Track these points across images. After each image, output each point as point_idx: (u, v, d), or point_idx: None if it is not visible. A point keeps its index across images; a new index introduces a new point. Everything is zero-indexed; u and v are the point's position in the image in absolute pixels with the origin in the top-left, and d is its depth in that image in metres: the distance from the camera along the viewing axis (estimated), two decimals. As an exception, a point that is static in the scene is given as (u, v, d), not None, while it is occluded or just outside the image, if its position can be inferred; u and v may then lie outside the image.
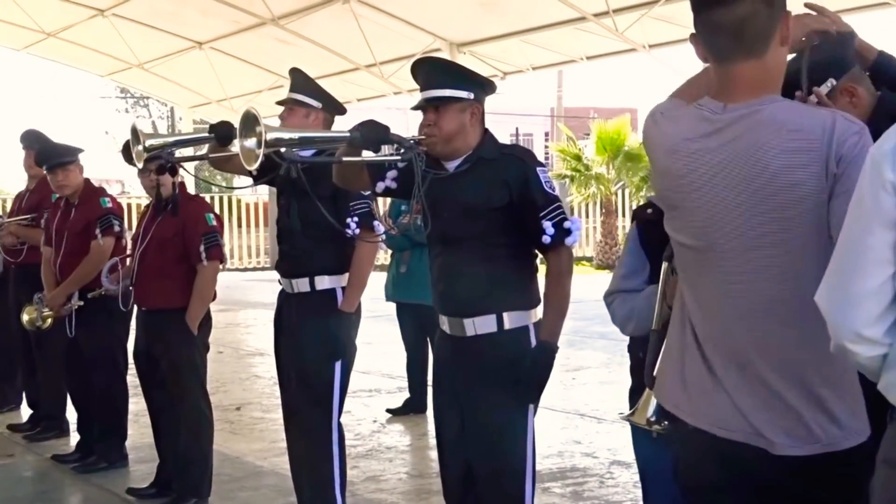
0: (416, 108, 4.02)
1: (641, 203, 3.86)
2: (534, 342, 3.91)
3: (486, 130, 4.03)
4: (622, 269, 3.57)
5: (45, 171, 7.04)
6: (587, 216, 26.94)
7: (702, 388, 2.54)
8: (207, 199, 6.30)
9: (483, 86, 4.03)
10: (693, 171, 2.52)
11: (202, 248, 5.79)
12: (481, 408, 3.90)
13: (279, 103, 5.17)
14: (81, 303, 6.74)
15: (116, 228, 6.82)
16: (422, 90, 3.98)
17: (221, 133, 4.84)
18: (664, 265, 3.05)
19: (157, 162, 5.18)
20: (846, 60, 3.19)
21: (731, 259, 2.49)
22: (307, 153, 4.67)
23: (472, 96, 3.94)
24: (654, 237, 3.40)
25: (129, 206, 22.94)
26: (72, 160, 6.90)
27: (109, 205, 6.88)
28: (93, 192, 7.01)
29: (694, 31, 2.59)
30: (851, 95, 3.17)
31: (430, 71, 4.02)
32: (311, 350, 4.98)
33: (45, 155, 7.01)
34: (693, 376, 2.56)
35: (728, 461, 2.50)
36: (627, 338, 3.63)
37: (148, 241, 5.91)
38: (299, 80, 5.14)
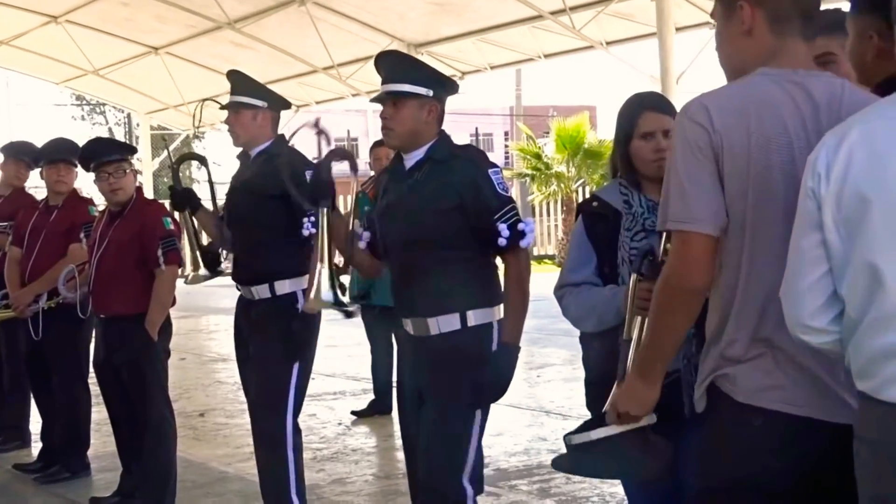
0: (374, 100, 4.04)
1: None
2: (496, 339, 3.90)
3: (442, 132, 4.03)
4: (568, 263, 3.61)
5: (43, 165, 6.93)
6: (548, 214, 27.04)
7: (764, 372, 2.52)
8: (166, 204, 6.27)
9: (444, 84, 4.04)
10: (798, 133, 2.49)
11: (160, 252, 5.73)
12: (435, 401, 3.91)
13: (223, 108, 5.13)
14: (52, 304, 6.66)
15: None
16: (382, 83, 4.00)
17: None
18: (632, 276, 3.04)
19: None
20: None
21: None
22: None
23: (431, 94, 3.94)
24: (599, 230, 3.48)
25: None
26: (75, 163, 6.83)
27: (96, 214, 6.82)
28: (80, 200, 6.98)
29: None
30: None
31: (391, 65, 4.04)
32: (270, 354, 4.95)
33: (55, 148, 6.93)
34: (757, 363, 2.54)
35: (797, 439, 2.48)
36: (586, 332, 3.63)
37: (105, 246, 5.84)
38: (240, 81, 5.10)
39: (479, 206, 3.84)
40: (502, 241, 3.84)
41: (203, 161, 5.40)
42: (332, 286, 4.14)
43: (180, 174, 5.51)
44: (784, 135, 2.47)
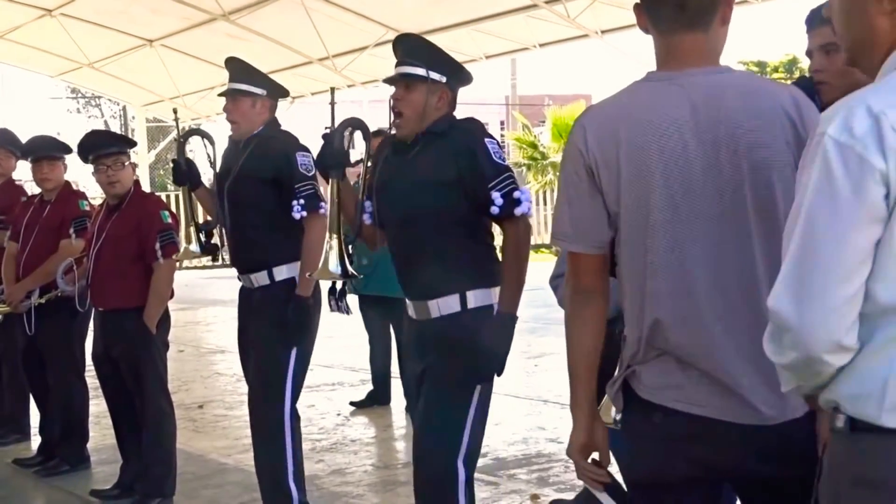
0: (387, 80, 4.02)
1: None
2: None
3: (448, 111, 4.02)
4: (563, 253, 3.61)
5: (29, 162, 6.96)
6: (545, 203, 27.03)
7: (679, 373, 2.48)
8: (163, 197, 6.28)
9: (458, 73, 4.03)
10: (670, 136, 2.43)
11: (158, 245, 5.74)
12: (433, 383, 3.91)
13: (221, 95, 5.11)
14: (42, 300, 6.67)
15: None
16: (396, 65, 3.98)
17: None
18: None
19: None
20: None
21: (708, 226, 2.41)
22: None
23: (444, 80, 3.93)
24: None
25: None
26: (60, 156, 6.84)
27: (87, 208, 6.82)
28: (72, 193, 6.96)
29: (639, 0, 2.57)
30: None
31: (408, 47, 4.02)
32: (268, 338, 4.95)
33: (36, 145, 6.95)
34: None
35: (707, 440, 2.45)
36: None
37: (103, 239, 5.85)
38: (238, 69, 5.07)
39: (475, 173, 3.81)
40: (495, 210, 3.80)
41: (210, 138, 5.39)
42: (341, 257, 4.14)
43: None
44: (656, 141, 2.41)
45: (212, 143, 5.39)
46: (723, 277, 2.40)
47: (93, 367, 6.12)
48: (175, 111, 5.90)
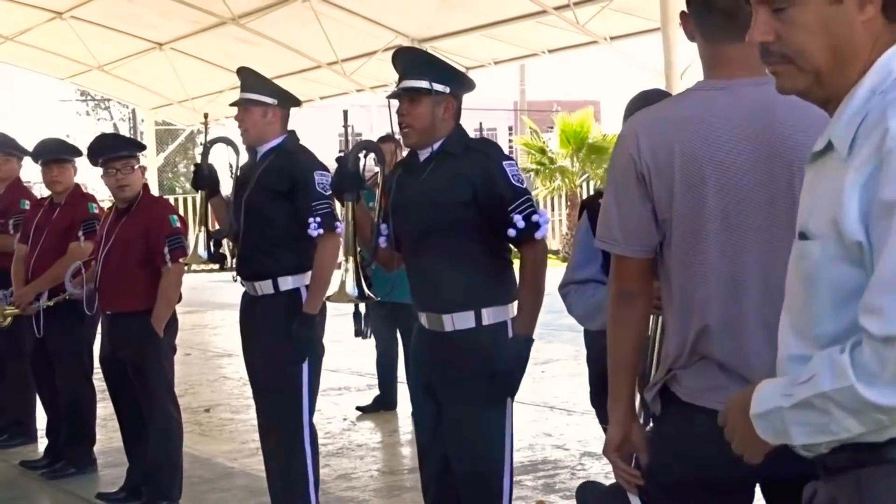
0: (391, 96, 4.04)
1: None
2: (511, 336, 3.91)
3: (458, 126, 4.04)
4: (574, 260, 3.63)
5: (39, 165, 6.99)
6: (552, 209, 27.00)
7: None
8: (171, 200, 6.29)
9: (461, 81, 4.06)
10: (724, 146, 2.45)
11: (166, 249, 5.75)
12: (460, 404, 3.92)
13: (233, 104, 5.13)
14: (51, 303, 6.68)
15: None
16: (399, 79, 4.00)
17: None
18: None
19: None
20: None
21: (759, 235, 2.43)
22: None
23: (447, 90, 3.95)
24: None
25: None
26: (69, 159, 6.87)
27: (96, 211, 6.84)
28: (82, 196, 6.99)
29: (686, 7, 2.58)
30: None
31: (408, 61, 4.04)
32: (278, 353, 4.94)
33: (45, 148, 6.98)
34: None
35: None
36: (593, 330, 3.65)
37: (111, 243, 5.86)
38: (250, 78, 5.10)
39: (494, 197, 3.84)
40: (513, 232, 3.84)
41: (235, 148, 5.40)
42: (357, 280, 4.15)
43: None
44: (709, 150, 2.43)
45: (237, 152, 5.40)
46: (772, 286, 2.39)
47: (100, 370, 6.14)
48: (206, 116, 5.90)
